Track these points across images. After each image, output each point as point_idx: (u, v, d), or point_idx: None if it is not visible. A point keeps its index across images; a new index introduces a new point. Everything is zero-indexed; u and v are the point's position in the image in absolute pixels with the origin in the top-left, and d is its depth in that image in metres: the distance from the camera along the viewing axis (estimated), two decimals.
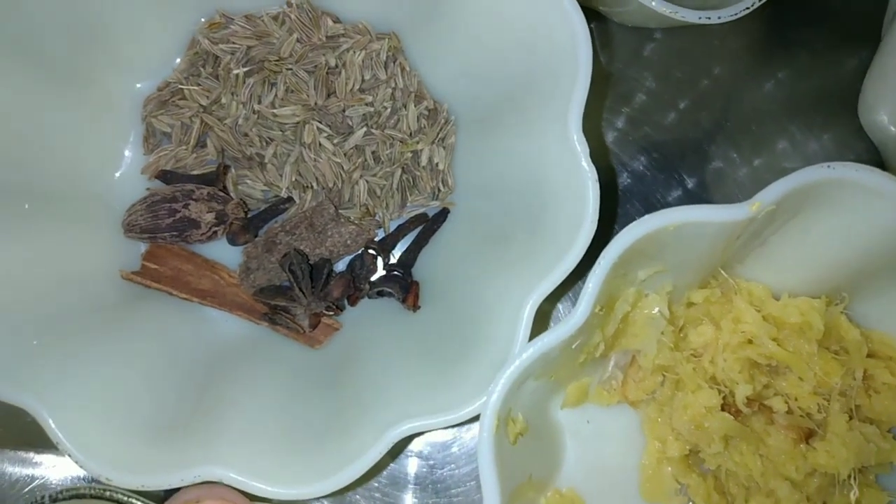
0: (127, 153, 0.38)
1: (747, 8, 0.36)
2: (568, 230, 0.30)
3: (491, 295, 0.33)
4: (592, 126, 0.39)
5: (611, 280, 0.29)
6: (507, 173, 0.35)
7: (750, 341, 0.34)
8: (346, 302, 0.38)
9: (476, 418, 0.30)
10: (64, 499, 0.32)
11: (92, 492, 0.32)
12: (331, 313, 0.37)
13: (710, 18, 0.35)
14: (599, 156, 0.30)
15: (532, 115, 0.32)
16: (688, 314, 0.36)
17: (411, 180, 0.39)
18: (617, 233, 0.28)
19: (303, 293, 0.36)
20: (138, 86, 0.38)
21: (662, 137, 0.42)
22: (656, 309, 0.34)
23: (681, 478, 0.35)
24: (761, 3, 0.36)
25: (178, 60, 0.38)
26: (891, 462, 0.34)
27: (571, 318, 0.28)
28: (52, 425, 0.30)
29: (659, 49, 0.43)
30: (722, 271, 0.35)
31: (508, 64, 0.33)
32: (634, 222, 0.28)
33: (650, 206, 0.42)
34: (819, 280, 0.34)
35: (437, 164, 0.38)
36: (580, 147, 0.29)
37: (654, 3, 0.35)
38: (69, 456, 0.30)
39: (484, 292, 0.34)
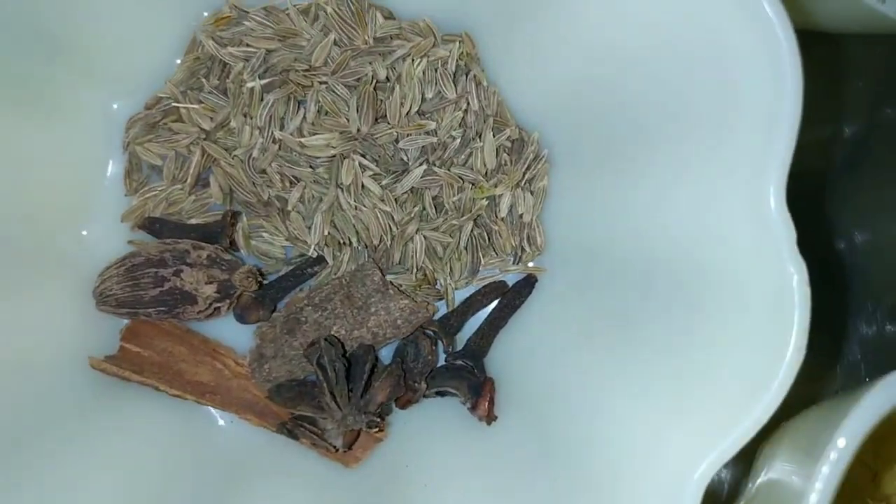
0: (101, 194, 0.29)
1: None
2: (753, 354, 0.19)
3: (612, 422, 0.23)
4: None
5: None
6: (629, 237, 0.25)
7: None
8: (392, 404, 0.28)
9: None
10: None
11: None
12: (374, 429, 0.26)
13: None
14: None
15: (685, 158, 0.21)
16: (883, 450, 0.26)
17: (486, 237, 0.29)
18: None
19: (336, 403, 0.26)
20: (115, 106, 0.28)
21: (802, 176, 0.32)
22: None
23: None
24: None
25: (177, 66, 0.29)
26: None
27: None
28: None
29: None
30: None
31: (649, 79, 0.22)
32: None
33: None
34: None
35: (521, 216, 0.29)
36: (783, 228, 0.18)
37: None
38: None
39: (600, 412, 0.24)
